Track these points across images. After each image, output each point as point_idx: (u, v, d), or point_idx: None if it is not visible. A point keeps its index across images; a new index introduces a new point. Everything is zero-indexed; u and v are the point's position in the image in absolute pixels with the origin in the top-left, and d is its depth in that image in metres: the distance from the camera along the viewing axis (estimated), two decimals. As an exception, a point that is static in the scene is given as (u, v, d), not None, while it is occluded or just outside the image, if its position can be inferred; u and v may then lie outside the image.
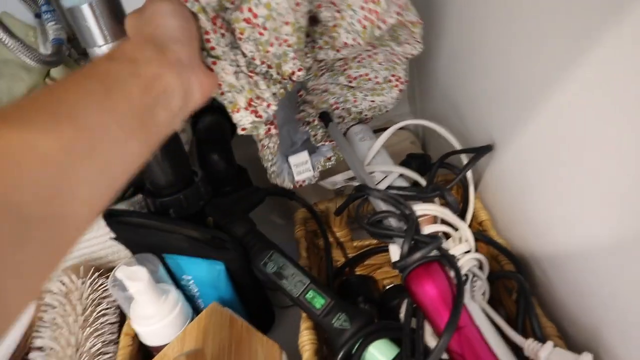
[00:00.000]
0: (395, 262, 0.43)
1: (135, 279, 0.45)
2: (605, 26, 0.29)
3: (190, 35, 0.35)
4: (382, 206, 0.47)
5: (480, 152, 0.48)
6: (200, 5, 0.38)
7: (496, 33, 0.45)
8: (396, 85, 0.57)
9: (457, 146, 0.52)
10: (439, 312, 0.39)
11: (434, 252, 0.41)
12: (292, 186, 0.57)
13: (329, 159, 0.59)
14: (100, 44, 0.39)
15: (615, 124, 0.31)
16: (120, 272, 0.46)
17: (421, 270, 0.41)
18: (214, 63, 0.41)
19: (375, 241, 0.58)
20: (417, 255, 0.41)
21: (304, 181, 0.57)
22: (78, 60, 0.61)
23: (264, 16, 0.39)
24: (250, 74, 0.43)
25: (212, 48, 0.40)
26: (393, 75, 0.56)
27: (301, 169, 0.56)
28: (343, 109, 0.59)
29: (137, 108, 0.27)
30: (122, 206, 0.52)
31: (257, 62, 0.42)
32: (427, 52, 0.54)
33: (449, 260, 0.41)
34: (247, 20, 0.40)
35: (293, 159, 0.56)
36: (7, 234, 0.19)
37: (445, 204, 0.48)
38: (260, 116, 0.44)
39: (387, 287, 0.58)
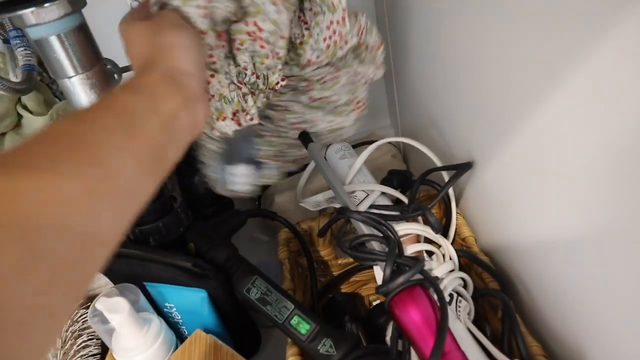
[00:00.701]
0: (377, 287, 0.43)
1: (116, 310, 0.44)
2: (579, 45, 0.30)
3: (202, 66, 0.35)
4: (363, 228, 0.47)
5: (461, 169, 0.48)
6: (211, 24, 0.37)
7: (468, 49, 0.45)
8: (354, 109, 0.56)
9: (438, 163, 0.52)
10: (423, 337, 0.39)
11: (417, 276, 0.41)
12: (227, 194, 0.56)
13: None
14: (70, 75, 0.38)
15: (593, 141, 0.31)
16: (100, 304, 0.45)
17: (404, 294, 0.41)
18: (212, 76, 0.40)
19: (359, 258, 0.57)
20: (400, 280, 0.40)
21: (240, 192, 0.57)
22: (50, 84, 0.60)
23: (269, 31, 0.40)
24: (239, 84, 0.43)
25: (214, 62, 0.40)
26: (353, 100, 0.56)
27: (240, 180, 0.55)
28: (300, 129, 0.58)
29: (154, 147, 0.28)
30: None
31: (249, 72, 0.42)
32: (405, 68, 0.54)
33: (432, 284, 0.40)
34: (250, 34, 0.40)
35: (235, 169, 0.55)
36: (38, 280, 0.20)
37: (428, 222, 0.48)
38: (241, 125, 0.44)
39: (374, 303, 0.58)
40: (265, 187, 0.67)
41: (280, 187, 0.67)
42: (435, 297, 0.40)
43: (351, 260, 0.58)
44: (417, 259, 0.42)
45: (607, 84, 0.29)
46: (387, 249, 0.43)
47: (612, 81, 0.28)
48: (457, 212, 0.52)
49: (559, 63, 0.32)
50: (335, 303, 0.56)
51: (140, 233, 0.47)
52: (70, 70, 0.38)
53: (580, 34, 0.29)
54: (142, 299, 0.47)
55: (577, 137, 0.33)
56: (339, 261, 0.58)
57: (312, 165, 0.62)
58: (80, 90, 0.40)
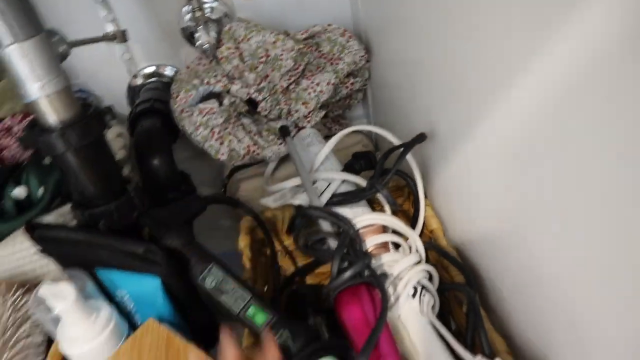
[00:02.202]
0: (323, 288, 0.41)
1: (61, 297, 0.42)
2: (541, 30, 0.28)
3: None
4: (321, 224, 0.45)
5: (415, 141, 0.47)
6: None
7: (436, 32, 0.43)
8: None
9: (395, 142, 0.51)
10: (360, 336, 0.37)
11: (367, 272, 0.39)
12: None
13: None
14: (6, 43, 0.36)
15: (561, 128, 0.30)
16: (43, 290, 0.42)
17: (347, 293, 0.39)
18: None
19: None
20: (343, 277, 0.39)
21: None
22: None
23: None
24: None
25: None
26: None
27: None
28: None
29: None
30: (49, 218, 0.48)
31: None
32: (379, 59, 0.53)
33: (376, 281, 0.39)
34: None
35: None
36: None
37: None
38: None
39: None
40: (231, 174, 0.64)
41: (247, 174, 0.64)
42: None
43: (317, 251, 0.56)
44: (365, 256, 0.40)
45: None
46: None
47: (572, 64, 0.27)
48: (426, 204, 0.50)
49: (523, 50, 0.30)
50: (298, 294, 0.54)
51: (90, 217, 0.44)
52: (5, 37, 0.35)
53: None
54: (90, 285, 0.44)
55: (540, 125, 0.31)
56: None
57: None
58: (17, 61, 0.37)
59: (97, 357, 0.44)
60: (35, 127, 0.41)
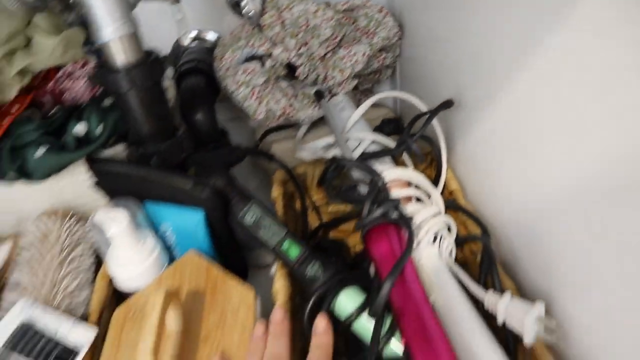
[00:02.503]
0: (357, 223, 0.45)
1: (115, 221, 0.46)
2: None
3: None
4: (354, 174, 0.49)
5: (442, 106, 0.51)
6: None
7: (469, 6, 0.47)
8: None
9: (424, 108, 0.54)
10: (387, 267, 0.41)
11: (395, 215, 0.43)
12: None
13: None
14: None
15: (582, 97, 0.34)
16: (100, 215, 0.47)
17: (377, 229, 0.43)
18: None
19: (350, 207, 0.60)
20: (374, 215, 0.43)
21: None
22: (62, 11, 0.61)
23: None
24: None
25: None
26: None
27: None
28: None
29: None
30: (105, 154, 0.52)
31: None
32: (410, 38, 0.56)
33: (404, 222, 0.43)
34: None
35: None
36: None
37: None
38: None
39: (360, 250, 0.60)
40: (263, 136, 0.68)
41: (278, 136, 0.69)
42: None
43: (341, 208, 0.61)
44: (394, 200, 0.45)
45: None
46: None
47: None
48: (447, 167, 0.54)
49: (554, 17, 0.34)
50: (322, 247, 0.59)
51: (143, 154, 0.49)
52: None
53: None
54: (141, 215, 0.49)
55: (564, 93, 0.35)
56: (330, 208, 0.61)
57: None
58: (99, 4, 0.42)
59: (140, 280, 0.48)
60: (104, 67, 0.45)
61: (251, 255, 0.60)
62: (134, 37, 0.44)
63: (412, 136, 0.50)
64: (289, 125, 0.69)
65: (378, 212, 0.42)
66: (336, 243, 0.60)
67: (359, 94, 0.71)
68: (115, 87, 0.45)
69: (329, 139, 0.59)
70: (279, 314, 0.41)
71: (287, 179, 0.58)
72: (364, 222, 0.42)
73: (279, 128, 0.69)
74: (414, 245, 0.45)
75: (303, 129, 0.66)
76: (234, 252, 0.54)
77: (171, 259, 0.53)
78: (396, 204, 0.43)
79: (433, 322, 0.36)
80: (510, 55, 0.41)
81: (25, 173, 0.49)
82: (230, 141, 0.64)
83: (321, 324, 0.40)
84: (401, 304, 0.38)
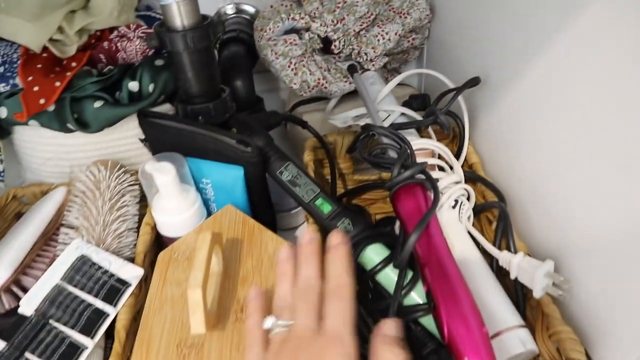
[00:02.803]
0: (385, 182, 0.49)
1: (163, 172, 0.50)
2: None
3: None
4: (384, 140, 0.53)
5: (469, 83, 0.54)
6: None
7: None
8: None
9: (451, 85, 0.58)
10: (413, 224, 0.45)
11: (421, 177, 0.47)
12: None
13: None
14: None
15: (607, 76, 0.37)
16: (149, 165, 0.51)
17: (406, 188, 0.47)
18: None
19: (373, 177, 0.64)
20: (402, 175, 0.47)
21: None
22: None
23: None
24: None
25: None
26: None
27: None
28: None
29: None
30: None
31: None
32: (440, 20, 0.60)
33: (430, 182, 0.47)
34: None
35: None
36: None
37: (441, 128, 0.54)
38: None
39: (380, 218, 0.64)
40: (293, 107, 0.72)
41: (308, 108, 0.73)
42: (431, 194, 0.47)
43: (366, 177, 0.65)
44: (422, 163, 0.49)
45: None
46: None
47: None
48: (468, 142, 0.58)
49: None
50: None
51: (192, 111, 0.53)
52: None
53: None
54: (186, 170, 0.53)
55: (587, 72, 0.39)
56: (355, 177, 0.65)
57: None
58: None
59: (182, 228, 0.53)
60: (163, 27, 0.49)
61: (279, 218, 0.64)
62: (193, 1, 0.48)
63: (440, 110, 0.54)
64: (318, 98, 0.73)
65: (407, 173, 0.46)
66: (359, 208, 0.65)
67: (386, 73, 0.75)
68: (172, 46, 0.49)
69: (359, 111, 0.63)
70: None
71: (317, 146, 0.62)
72: (393, 181, 0.46)
73: (309, 100, 0.73)
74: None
75: (333, 102, 0.70)
76: (266, 210, 0.58)
77: (208, 213, 0.58)
78: (424, 166, 0.47)
79: (455, 272, 0.41)
80: (537, 39, 0.45)
81: (82, 124, 0.54)
82: (264, 108, 0.68)
83: (335, 236, 0.36)
84: (425, 255, 0.42)
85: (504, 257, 0.45)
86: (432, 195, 0.46)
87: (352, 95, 0.71)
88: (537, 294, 0.41)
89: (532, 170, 0.49)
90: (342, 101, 0.72)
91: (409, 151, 0.50)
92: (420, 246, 0.43)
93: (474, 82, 0.55)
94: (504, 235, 0.47)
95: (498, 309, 0.43)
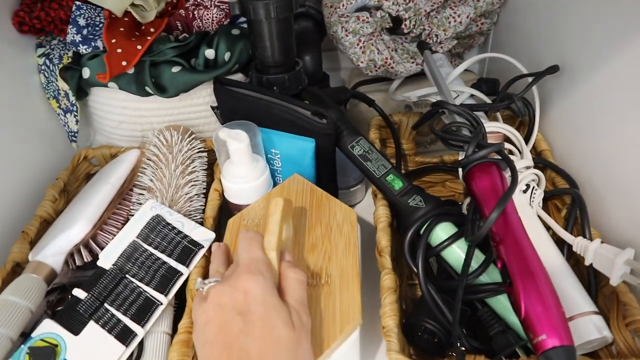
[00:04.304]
0: (460, 160, 0.49)
1: (236, 139, 0.51)
2: None
3: None
4: (456, 119, 0.53)
5: (547, 71, 0.54)
6: None
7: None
8: None
9: (525, 71, 0.57)
10: (489, 203, 0.45)
11: (496, 157, 0.47)
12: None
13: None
14: None
15: None
16: (223, 132, 0.52)
17: (481, 167, 0.47)
18: None
19: (435, 160, 0.64)
20: (480, 153, 0.46)
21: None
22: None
23: None
24: None
25: None
26: None
27: None
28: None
29: None
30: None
31: None
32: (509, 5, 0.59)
33: (507, 162, 0.46)
34: None
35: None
36: None
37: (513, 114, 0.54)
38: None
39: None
40: (355, 87, 0.73)
41: (369, 89, 0.73)
42: (507, 174, 0.46)
43: (427, 160, 0.65)
44: (499, 143, 0.48)
45: None
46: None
47: None
48: (537, 129, 0.57)
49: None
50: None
51: (267, 81, 0.54)
52: None
53: None
54: (258, 139, 0.54)
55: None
56: (416, 158, 0.65)
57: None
58: None
59: (249, 196, 0.53)
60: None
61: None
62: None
63: (517, 95, 0.53)
64: (380, 79, 0.73)
65: (484, 151, 0.46)
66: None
67: (450, 57, 0.74)
68: (255, 14, 0.49)
69: (425, 90, 0.62)
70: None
71: (382, 125, 0.62)
72: (469, 159, 0.46)
73: (370, 81, 0.73)
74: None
75: (397, 82, 0.69)
76: (330, 184, 0.59)
77: (274, 184, 0.58)
78: (501, 147, 0.46)
79: (531, 250, 0.40)
80: (622, 27, 0.44)
81: (160, 88, 0.55)
82: (329, 84, 0.68)
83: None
84: (501, 232, 0.42)
85: (579, 243, 0.44)
86: (507, 176, 0.46)
87: (414, 78, 0.71)
88: (615, 281, 0.41)
89: (610, 160, 0.48)
90: (403, 84, 0.72)
91: (483, 131, 0.50)
92: (496, 223, 0.42)
93: (553, 69, 0.54)
94: (577, 221, 0.47)
95: (571, 294, 0.43)
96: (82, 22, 0.58)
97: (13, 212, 0.56)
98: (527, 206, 0.50)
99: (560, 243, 0.47)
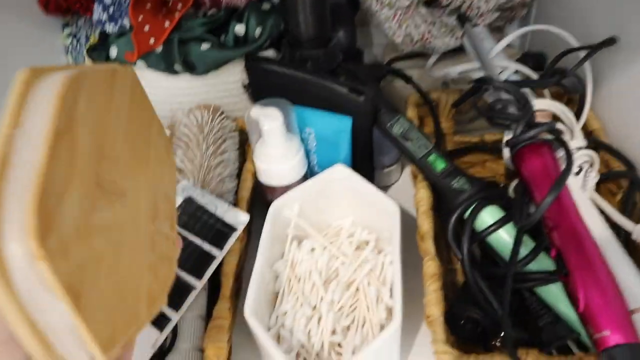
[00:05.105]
0: (508, 140, 0.46)
1: (269, 118, 0.49)
2: None
3: None
4: (502, 96, 0.50)
5: (603, 44, 0.50)
6: None
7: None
8: None
9: (576, 45, 0.53)
10: (542, 185, 0.42)
11: (546, 137, 0.44)
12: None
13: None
14: None
15: None
16: (256, 110, 0.49)
17: (532, 147, 0.44)
18: None
19: (475, 139, 0.60)
20: (531, 132, 0.43)
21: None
22: None
23: None
24: None
25: None
26: None
27: None
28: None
29: None
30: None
31: None
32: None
33: (561, 142, 0.43)
34: None
35: None
36: None
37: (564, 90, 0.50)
38: None
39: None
40: (388, 64, 0.69)
41: (404, 65, 0.69)
42: (560, 155, 0.43)
43: (466, 139, 0.61)
44: (551, 122, 0.45)
45: None
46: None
47: None
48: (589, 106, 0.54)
49: None
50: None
51: (300, 57, 0.51)
52: None
53: None
54: (292, 117, 0.51)
55: None
56: (455, 138, 0.62)
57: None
58: None
59: (283, 177, 0.51)
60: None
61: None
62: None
63: (570, 70, 0.49)
64: (415, 55, 0.70)
65: (535, 130, 0.43)
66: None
67: (489, 30, 0.70)
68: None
69: (465, 66, 0.59)
70: None
71: (420, 103, 0.59)
72: (519, 138, 0.43)
73: (404, 57, 0.70)
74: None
75: (434, 58, 0.66)
76: (367, 165, 0.57)
77: (308, 163, 0.56)
78: (553, 126, 0.43)
79: (589, 238, 0.38)
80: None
81: (189, 66, 0.53)
82: (363, 61, 0.65)
83: None
84: (555, 218, 0.39)
85: (639, 231, 0.41)
86: (557, 157, 0.43)
87: (451, 53, 0.68)
88: (681, 270, 0.38)
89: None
90: (440, 60, 0.68)
91: (532, 109, 0.47)
92: (550, 208, 0.40)
93: (610, 42, 0.50)
94: (636, 207, 0.44)
95: (630, 284, 0.40)
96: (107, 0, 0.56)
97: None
98: (580, 190, 0.46)
99: (616, 230, 0.44)
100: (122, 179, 0.24)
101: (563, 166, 0.42)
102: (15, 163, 0.17)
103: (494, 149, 0.59)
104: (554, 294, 0.41)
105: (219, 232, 0.47)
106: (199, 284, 0.44)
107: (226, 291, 0.43)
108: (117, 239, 0.23)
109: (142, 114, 0.29)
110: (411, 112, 0.57)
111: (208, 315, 0.44)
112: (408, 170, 0.66)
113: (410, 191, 0.52)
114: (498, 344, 0.46)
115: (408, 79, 0.59)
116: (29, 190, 0.17)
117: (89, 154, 0.21)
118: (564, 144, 0.42)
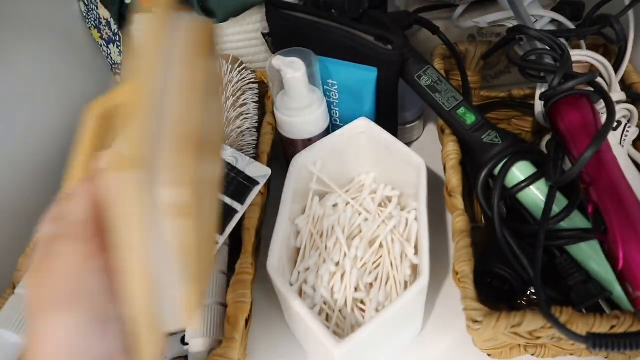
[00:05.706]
0: (543, 92, 0.43)
1: (292, 67, 0.47)
2: None
3: None
4: (538, 46, 0.47)
5: None
6: None
7: None
8: None
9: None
10: (580, 140, 0.40)
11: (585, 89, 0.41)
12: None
13: None
14: None
15: None
16: (277, 59, 0.47)
17: (570, 99, 0.41)
18: None
19: (502, 94, 0.58)
20: (569, 84, 0.41)
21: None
22: None
23: None
24: None
25: None
26: None
27: None
28: None
29: None
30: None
31: None
32: None
33: (601, 93, 0.40)
34: None
35: None
36: None
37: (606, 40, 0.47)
38: None
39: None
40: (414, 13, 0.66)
41: (428, 16, 0.66)
42: (600, 107, 0.41)
43: (494, 94, 0.59)
44: (591, 73, 0.42)
45: None
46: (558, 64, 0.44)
47: None
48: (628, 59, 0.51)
49: None
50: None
51: (324, 3, 0.49)
52: None
53: None
54: (315, 68, 0.49)
55: None
56: (482, 93, 0.59)
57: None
58: None
59: (304, 130, 0.50)
60: None
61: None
62: None
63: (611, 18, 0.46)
64: (441, 6, 0.66)
65: (573, 82, 0.40)
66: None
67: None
68: None
69: (496, 16, 0.56)
70: None
71: (447, 55, 0.57)
72: (556, 90, 0.41)
73: (430, 8, 0.66)
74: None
75: (461, 7, 0.63)
76: (391, 119, 0.54)
77: (330, 116, 0.54)
78: (594, 77, 0.41)
79: (630, 193, 0.36)
80: None
81: (207, 12, 0.50)
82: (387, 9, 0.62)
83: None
84: (594, 173, 0.37)
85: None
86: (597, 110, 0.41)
87: (479, 4, 0.64)
88: None
89: None
90: (467, 10, 0.65)
91: (570, 59, 0.44)
92: (589, 163, 0.38)
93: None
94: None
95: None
96: (121, -60, 0.53)
97: (54, 146, 0.54)
98: (617, 145, 0.44)
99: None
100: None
101: (603, 120, 0.40)
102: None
103: (523, 105, 0.57)
104: (585, 252, 0.40)
105: (240, 185, 0.45)
106: (221, 239, 0.43)
107: (248, 246, 0.42)
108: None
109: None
110: (437, 64, 0.54)
111: (230, 271, 0.43)
112: (430, 126, 0.64)
113: (431, 148, 0.51)
114: (524, 302, 0.45)
115: (435, 29, 0.56)
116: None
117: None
118: (605, 96, 0.40)
